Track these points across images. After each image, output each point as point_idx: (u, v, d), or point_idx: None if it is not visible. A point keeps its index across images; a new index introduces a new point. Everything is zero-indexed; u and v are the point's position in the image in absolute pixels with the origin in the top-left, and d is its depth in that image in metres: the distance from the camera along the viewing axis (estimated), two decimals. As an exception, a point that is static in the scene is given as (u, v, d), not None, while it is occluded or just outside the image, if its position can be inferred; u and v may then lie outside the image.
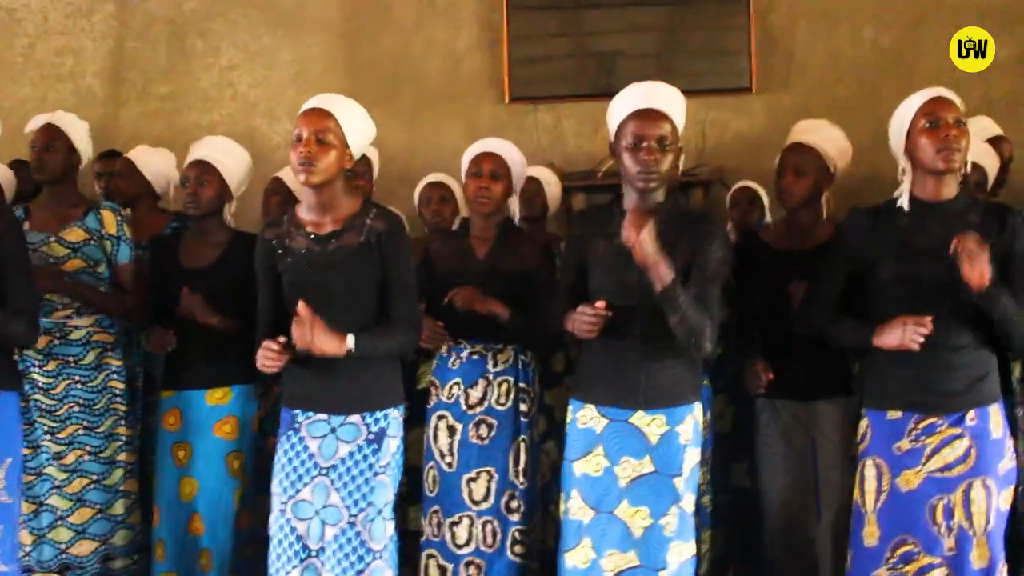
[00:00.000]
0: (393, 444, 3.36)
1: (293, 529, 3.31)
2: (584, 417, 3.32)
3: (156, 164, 4.99)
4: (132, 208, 4.81)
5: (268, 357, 3.20)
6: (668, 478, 3.23)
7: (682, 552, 3.23)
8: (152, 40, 6.25)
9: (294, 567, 3.30)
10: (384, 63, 6.10)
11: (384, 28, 6.14)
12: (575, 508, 3.29)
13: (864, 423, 3.32)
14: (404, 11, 6.14)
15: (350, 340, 3.17)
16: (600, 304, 3.12)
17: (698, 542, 3.47)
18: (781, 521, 3.77)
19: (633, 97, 3.24)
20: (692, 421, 3.28)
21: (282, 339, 3.17)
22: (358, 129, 3.32)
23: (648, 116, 3.20)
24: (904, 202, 3.28)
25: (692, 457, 3.28)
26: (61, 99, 6.12)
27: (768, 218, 5.18)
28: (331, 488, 3.30)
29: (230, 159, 4.07)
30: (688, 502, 3.26)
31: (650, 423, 3.24)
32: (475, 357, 3.87)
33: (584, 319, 3.14)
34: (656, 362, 3.23)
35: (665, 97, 3.25)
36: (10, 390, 3.53)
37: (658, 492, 3.22)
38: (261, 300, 3.43)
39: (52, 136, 4.13)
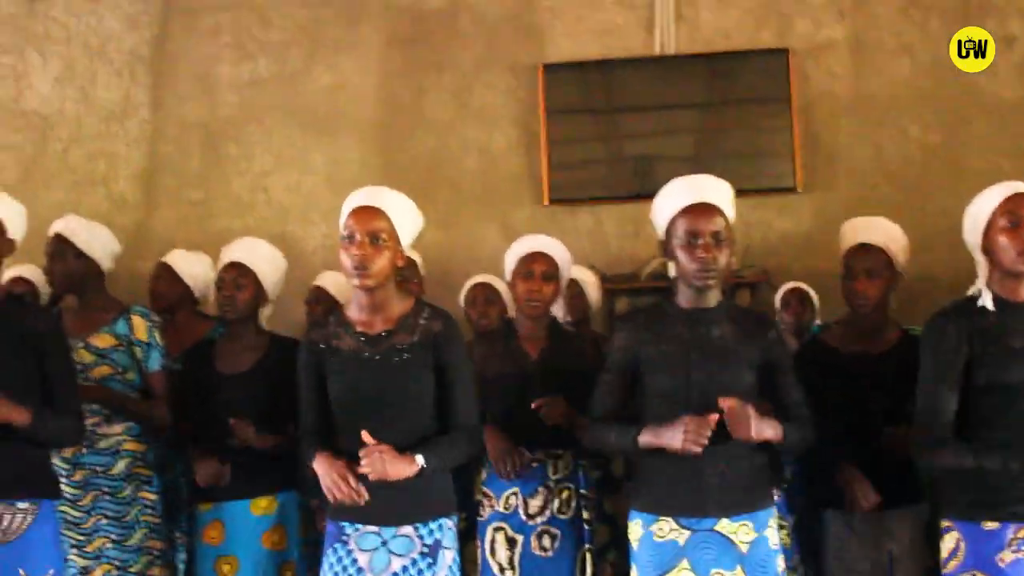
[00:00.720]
0: (449, 556, 3.14)
1: None
2: (661, 530, 3.07)
3: (194, 268, 4.87)
4: (173, 313, 4.69)
5: (339, 488, 3.01)
6: None
7: None
8: (186, 145, 6.20)
9: None
10: (419, 163, 6.02)
11: (418, 128, 6.09)
12: None
13: (954, 536, 3.06)
14: (438, 111, 6.09)
15: (420, 459, 3.02)
16: (713, 417, 2.93)
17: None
18: None
19: (683, 192, 3.11)
20: (775, 525, 3.10)
21: (359, 469, 2.99)
22: (410, 224, 3.18)
23: (701, 211, 3.07)
24: (988, 302, 3.08)
25: (780, 563, 3.09)
26: (94, 204, 6.06)
27: (818, 319, 5.04)
28: None
29: (266, 261, 3.95)
30: None
31: (737, 530, 3.03)
32: (534, 465, 3.68)
33: (697, 431, 2.92)
34: (730, 465, 3.03)
35: (715, 190, 3.13)
36: (50, 498, 3.39)
37: None
38: (306, 404, 3.24)
39: (59, 245, 3.99)
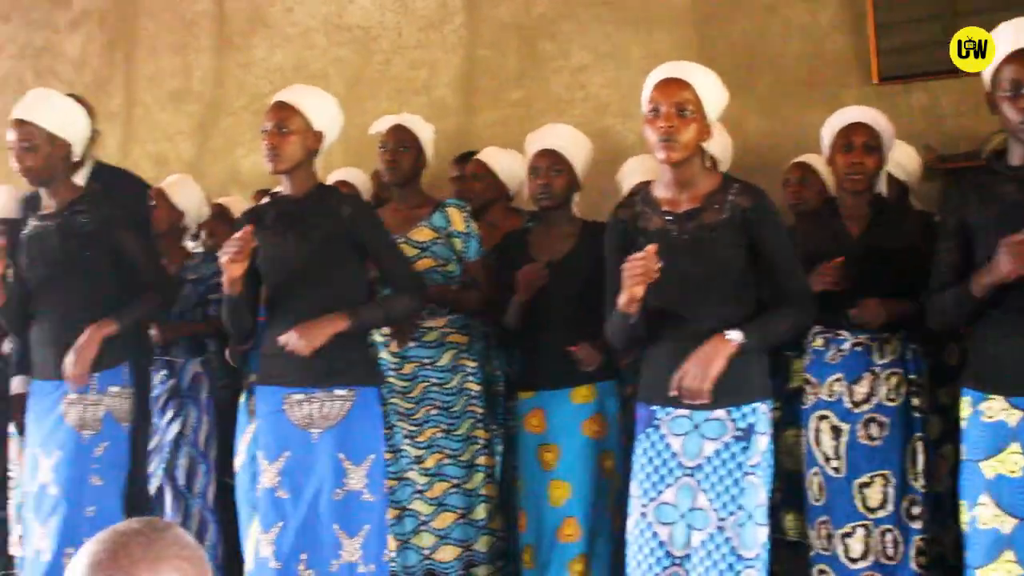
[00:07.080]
0: (763, 441, 2.99)
1: (655, 534, 3.00)
2: (991, 410, 2.84)
3: (508, 165, 4.89)
4: (487, 210, 4.73)
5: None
6: None
7: None
8: (502, 47, 6.21)
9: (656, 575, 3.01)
10: (739, 49, 5.76)
11: (737, 12, 5.81)
12: (987, 516, 2.82)
13: None
14: (757, -8, 5.81)
15: (736, 336, 2.89)
16: None
17: None
18: None
19: (1009, 35, 2.83)
20: None
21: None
22: (715, 96, 3.03)
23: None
24: None
25: None
26: (417, 111, 6.02)
27: None
28: (697, 489, 2.97)
29: (577, 147, 3.91)
30: None
31: None
32: (858, 349, 3.48)
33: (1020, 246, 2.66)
34: None
35: None
36: (370, 385, 3.51)
37: None
38: (616, 285, 3.15)
39: (403, 136, 4.12)
